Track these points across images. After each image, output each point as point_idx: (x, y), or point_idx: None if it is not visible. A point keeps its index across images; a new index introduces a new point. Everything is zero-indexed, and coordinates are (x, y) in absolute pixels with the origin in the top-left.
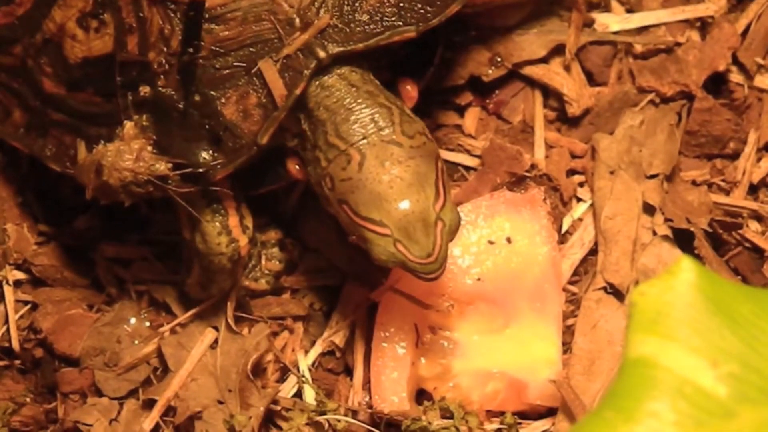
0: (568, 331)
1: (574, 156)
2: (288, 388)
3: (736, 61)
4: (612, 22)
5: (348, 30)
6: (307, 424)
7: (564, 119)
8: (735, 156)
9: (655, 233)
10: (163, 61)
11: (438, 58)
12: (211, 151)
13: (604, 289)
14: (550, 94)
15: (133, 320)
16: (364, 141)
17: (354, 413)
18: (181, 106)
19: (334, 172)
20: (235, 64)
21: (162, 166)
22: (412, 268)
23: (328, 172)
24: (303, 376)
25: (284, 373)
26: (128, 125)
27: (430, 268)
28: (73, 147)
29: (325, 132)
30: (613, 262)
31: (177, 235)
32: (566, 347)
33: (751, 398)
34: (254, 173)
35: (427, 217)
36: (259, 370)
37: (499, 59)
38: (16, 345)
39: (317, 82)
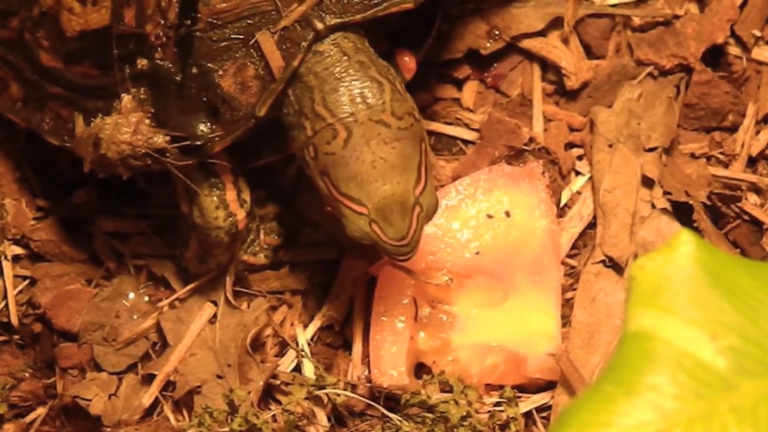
0: (567, 305)
1: (572, 129)
2: (287, 363)
3: (734, 33)
4: None
5: (345, 1)
6: (306, 398)
7: (562, 92)
8: (734, 128)
9: (653, 206)
10: (161, 34)
11: (435, 31)
12: (208, 124)
13: (603, 262)
14: (548, 67)
15: (131, 295)
16: (352, 118)
17: (353, 387)
18: (178, 78)
19: (318, 143)
20: (232, 36)
21: (160, 139)
22: (384, 248)
23: (313, 143)
24: (302, 350)
25: (283, 347)
26: (126, 98)
27: (402, 250)
28: (70, 120)
29: (312, 100)
30: (611, 236)
31: (175, 208)
32: (565, 320)
33: (751, 371)
34: (252, 146)
35: (406, 201)
36: (258, 344)
37: (497, 32)
38: (14, 320)
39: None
